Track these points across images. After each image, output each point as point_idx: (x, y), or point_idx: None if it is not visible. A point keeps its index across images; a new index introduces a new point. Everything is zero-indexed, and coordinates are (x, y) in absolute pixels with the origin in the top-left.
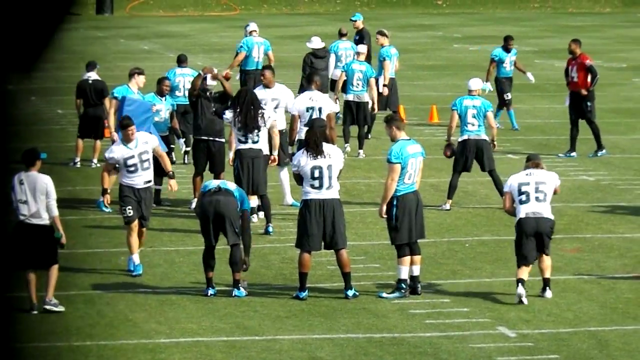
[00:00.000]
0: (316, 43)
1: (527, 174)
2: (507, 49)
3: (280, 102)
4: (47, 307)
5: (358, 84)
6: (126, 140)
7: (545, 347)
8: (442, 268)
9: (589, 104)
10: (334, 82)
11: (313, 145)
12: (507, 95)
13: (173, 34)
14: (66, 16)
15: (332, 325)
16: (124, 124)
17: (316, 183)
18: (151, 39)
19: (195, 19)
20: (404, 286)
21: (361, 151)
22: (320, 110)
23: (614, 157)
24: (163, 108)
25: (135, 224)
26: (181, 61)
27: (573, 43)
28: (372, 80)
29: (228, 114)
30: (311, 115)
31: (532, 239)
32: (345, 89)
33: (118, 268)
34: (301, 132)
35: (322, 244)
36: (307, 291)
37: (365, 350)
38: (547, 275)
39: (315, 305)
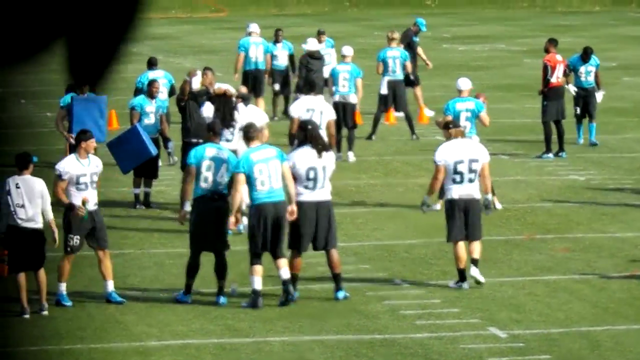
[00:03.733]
0: (312, 44)
1: (461, 149)
2: (584, 59)
3: None
4: (45, 312)
5: (344, 85)
6: (81, 155)
7: (537, 348)
8: (432, 269)
9: (544, 103)
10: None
11: (316, 144)
12: (576, 110)
13: (161, 36)
14: (134, 22)
15: (322, 327)
16: (87, 137)
17: (310, 184)
18: (140, 41)
19: (183, 21)
20: (253, 296)
21: (351, 153)
22: (321, 113)
23: (604, 156)
24: (153, 110)
25: (72, 256)
26: (152, 64)
27: (547, 42)
28: (359, 81)
29: (206, 110)
30: (311, 117)
31: (462, 216)
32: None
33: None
34: None
35: (311, 245)
36: (297, 292)
37: (356, 352)
38: (476, 256)
39: (305, 306)
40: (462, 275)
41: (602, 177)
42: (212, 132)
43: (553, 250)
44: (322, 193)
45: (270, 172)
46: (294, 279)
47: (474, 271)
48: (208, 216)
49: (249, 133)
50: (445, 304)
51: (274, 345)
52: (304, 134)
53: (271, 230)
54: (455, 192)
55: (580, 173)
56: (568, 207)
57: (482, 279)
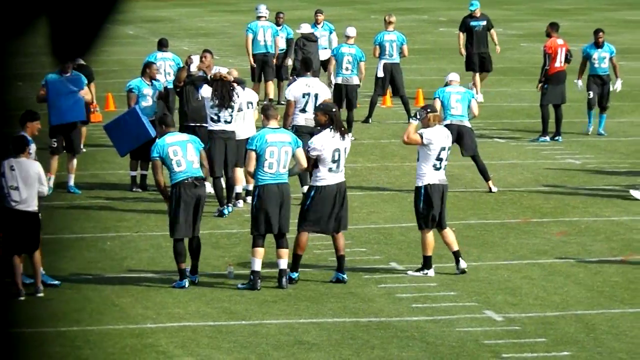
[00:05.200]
0: (305, 29)
1: (447, 137)
2: (597, 44)
3: None
4: (40, 294)
5: (347, 67)
6: (32, 135)
7: (532, 331)
8: None
9: (545, 86)
10: (324, 64)
11: (339, 127)
12: (589, 94)
13: (159, 19)
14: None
15: (318, 310)
16: (34, 117)
17: (334, 166)
18: (137, 24)
19: (181, 3)
20: (252, 277)
21: (349, 134)
22: (316, 96)
23: (600, 140)
24: (151, 92)
25: None
26: (162, 45)
27: (548, 27)
28: (362, 64)
29: (204, 91)
30: (307, 102)
31: (436, 203)
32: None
33: (104, 253)
34: (296, 118)
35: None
36: (298, 273)
37: (352, 335)
38: (456, 248)
39: (301, 289)
40: (429, 263)
41: (598, 161)
42: (164, 125)
43: (549, 234)
44: (341, 175)
45: (280, 156)
46: (298, 259)
47: (462, 264)
48: (187, 204)
49: (268, 111)
50: (441, 287)
51: (270, 327)
52: (328, 118)
53: (275, 211)
54: (435, 177)
55: (576, 157)
56: (564, 191)
57: (465, 265)
